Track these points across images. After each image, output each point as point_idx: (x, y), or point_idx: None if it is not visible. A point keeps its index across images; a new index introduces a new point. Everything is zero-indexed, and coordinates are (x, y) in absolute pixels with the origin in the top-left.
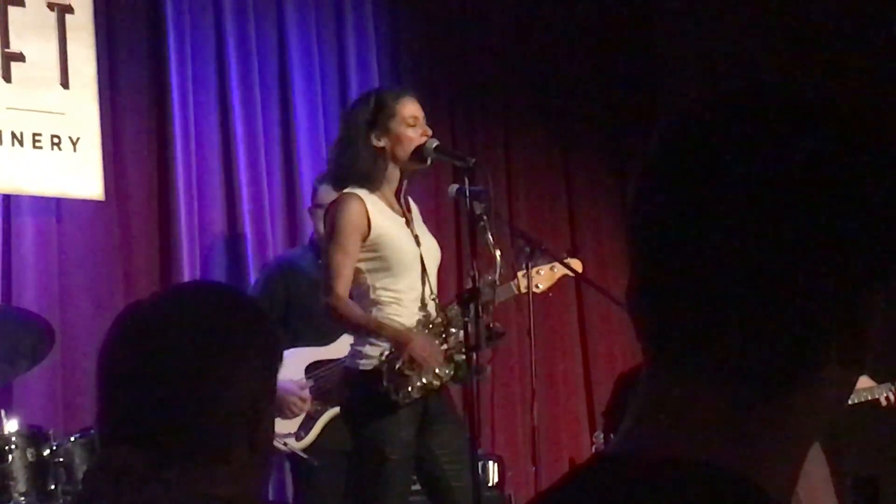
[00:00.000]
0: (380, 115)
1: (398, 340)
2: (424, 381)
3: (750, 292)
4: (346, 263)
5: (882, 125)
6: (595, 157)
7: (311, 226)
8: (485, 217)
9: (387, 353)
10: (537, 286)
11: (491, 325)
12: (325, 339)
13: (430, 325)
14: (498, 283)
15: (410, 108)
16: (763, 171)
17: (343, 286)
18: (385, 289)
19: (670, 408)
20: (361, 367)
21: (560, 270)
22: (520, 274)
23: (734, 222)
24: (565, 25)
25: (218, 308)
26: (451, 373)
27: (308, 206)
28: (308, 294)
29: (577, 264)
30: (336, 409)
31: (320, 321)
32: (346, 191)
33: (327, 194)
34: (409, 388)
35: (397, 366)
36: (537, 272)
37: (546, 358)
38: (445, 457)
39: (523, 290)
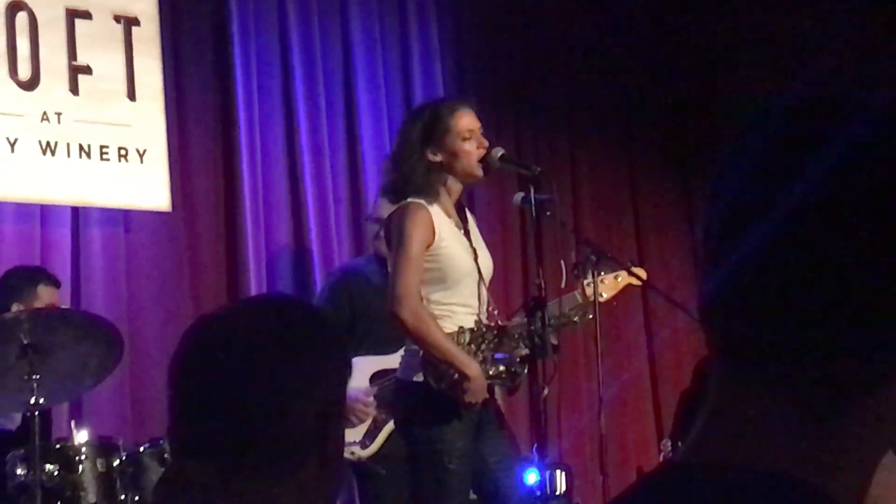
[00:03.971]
0: (435, 131)
1: (464, 372)
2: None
3: (829, 300)
4: (415, 273)
5: None
6: (660, 165)
7: None
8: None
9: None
10: (602, 294)
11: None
12: (390, 347)
13: (479, 336)
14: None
15: (465, 122)
16: (845, 173)
17: (412, 297)
18: (438, 302)
19: (741, 416)
20: (415, 379)
21: (624, 279)
22: (584, 282)
23: (814, 227)
24: (631, 36)
25: (288, 321)
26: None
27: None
28: (372, 303)
29: (642, 272)
30: None
31: (385, 330)
32: (409, 200)
33: (384, 208)
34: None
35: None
36: (601, 280)
37: (613, 366)
38: (497, 464)
39: (588, 298)
